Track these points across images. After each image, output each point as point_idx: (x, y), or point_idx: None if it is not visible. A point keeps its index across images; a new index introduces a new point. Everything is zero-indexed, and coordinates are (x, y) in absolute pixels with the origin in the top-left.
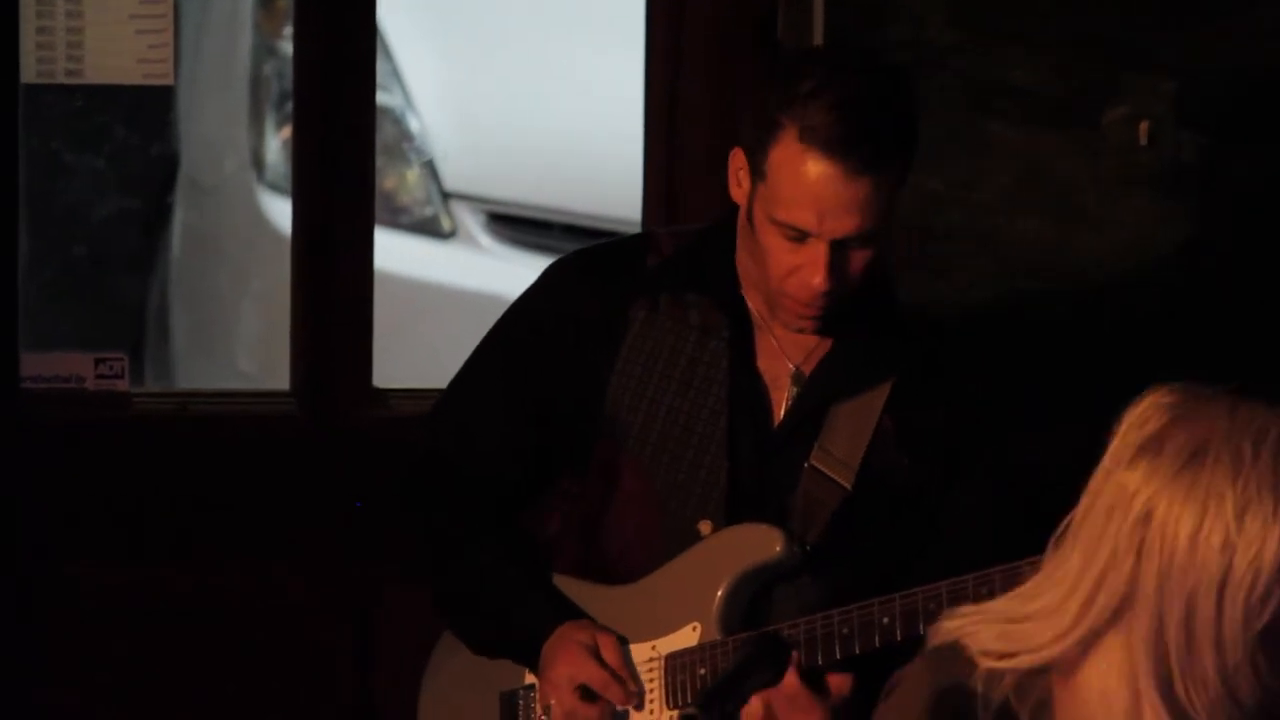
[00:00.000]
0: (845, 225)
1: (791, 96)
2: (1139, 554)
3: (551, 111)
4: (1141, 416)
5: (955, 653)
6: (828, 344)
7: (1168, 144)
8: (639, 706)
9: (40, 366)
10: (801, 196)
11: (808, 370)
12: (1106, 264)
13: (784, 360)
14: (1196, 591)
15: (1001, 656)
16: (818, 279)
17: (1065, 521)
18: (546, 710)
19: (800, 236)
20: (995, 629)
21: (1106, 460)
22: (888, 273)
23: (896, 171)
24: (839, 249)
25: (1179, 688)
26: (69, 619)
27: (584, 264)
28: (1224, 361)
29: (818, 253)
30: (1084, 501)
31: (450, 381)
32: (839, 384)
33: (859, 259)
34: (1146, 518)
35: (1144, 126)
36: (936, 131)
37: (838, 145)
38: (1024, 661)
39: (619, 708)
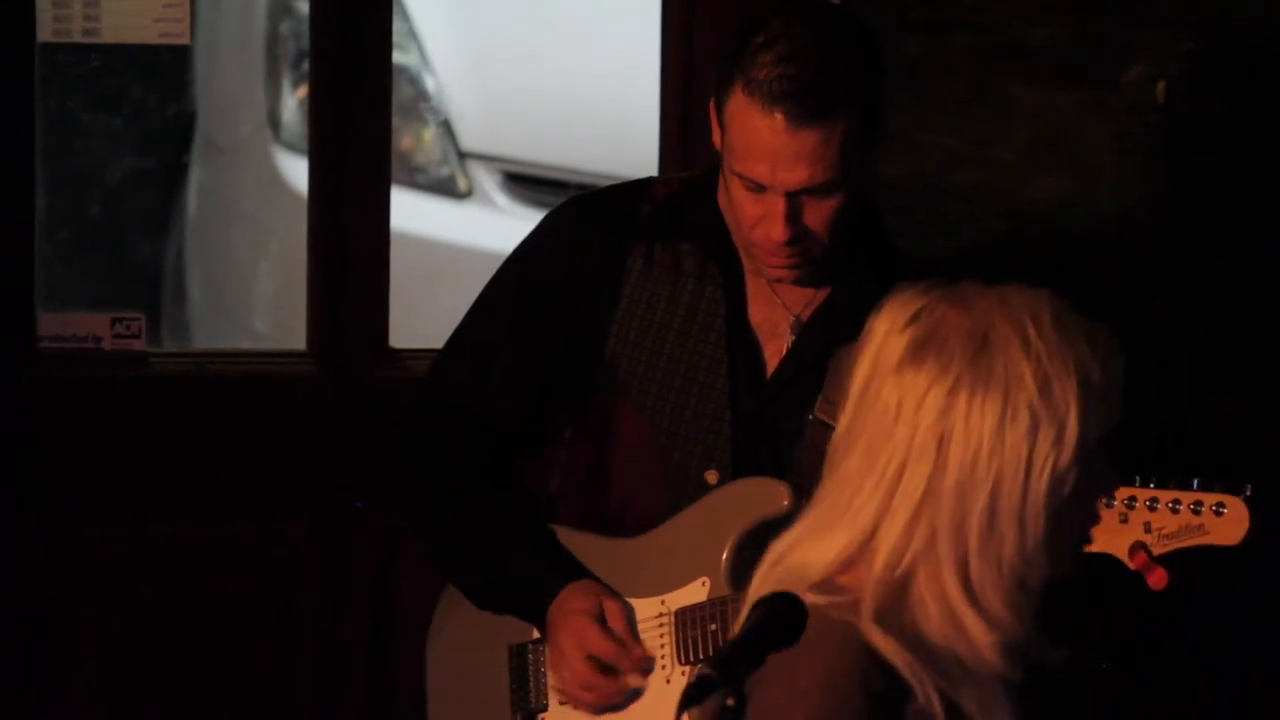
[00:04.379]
0: (796, 176)
1: (743, 50)
2: (940, 448)
3: (568, 71)
4: (900, 318)
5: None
6: (825, 293)
7: (1185, 103)
8: (648, 670)
9: (57, 326)
10: (752, 149)
11: (806, 320)
12: (1122, 224)
13: (782, 309)
14: (1003, 475)
15: (832, 587)
16: (776, 229)
17: (837, 437)
18: (562, 680)
19: (758, 188)
20: (810, 546)
21: (869, 365)
22: (882, 220)
23: (850, 120)
24: (797, 200)
25: (974, 573)
26: (85, 577)
27: (580, 209)
28: (1240, 320)
29: (775, 204)
30: (856, 410)
31: (454, 329)
32: (836, 333)
33: (822, 209)
34: (946, 411)
35: (1161, 86)
36: (954, 90)
37: (778, 97)
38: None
39: (629, 675)
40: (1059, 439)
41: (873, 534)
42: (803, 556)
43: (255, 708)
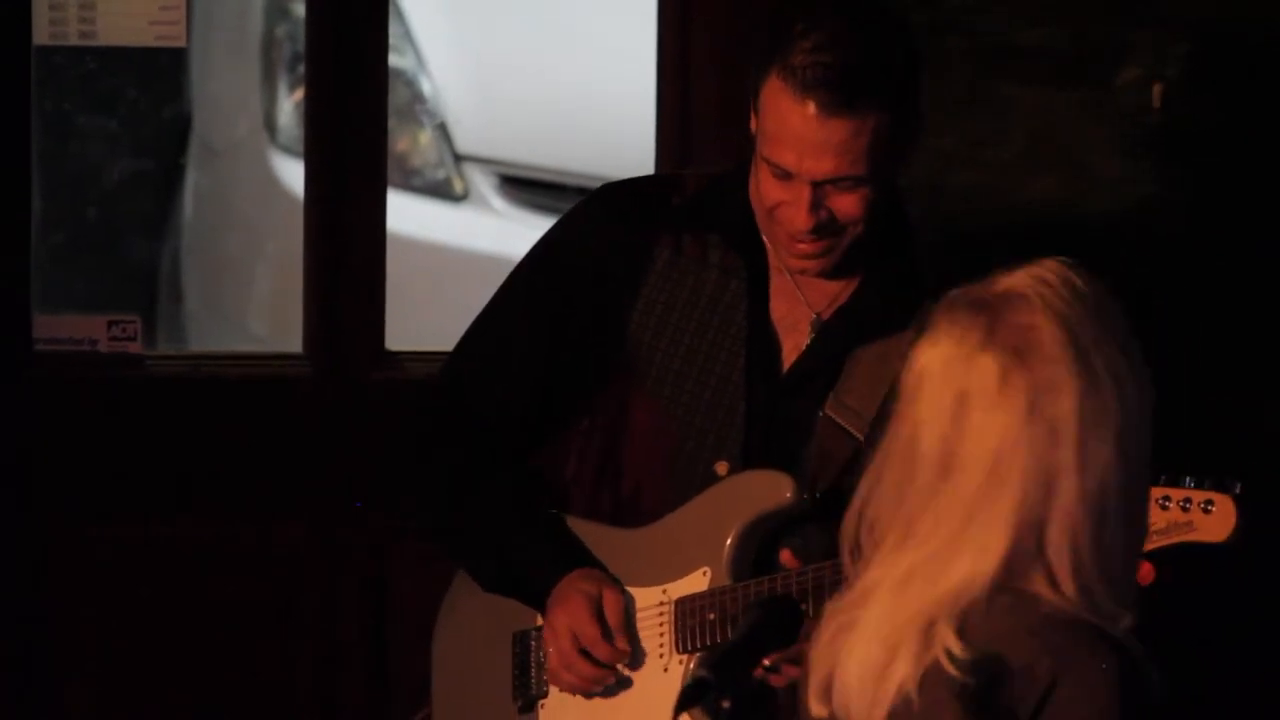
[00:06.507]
0: (823, 166)
1: (782, 37)
2: (1080, 452)
3: (564, 73)
4: (969, 339)
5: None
6: (849, 292)
7: (1182, 105)
8: (631, 665)
9: (53, 329)
10: (781, 136)
11: (827, 317)
12: (1119, 224)
13: (804, 305)
14: (1130, 461)
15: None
16: (800, 218)
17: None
18: (546, 657)
19: (785, 175)
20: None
21: (954, 394)
22: (908, 223)
23: (882, 114)
24: (822, 190)
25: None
26: (85, 577)
27: (610, 199)
28: (1233, 323)
29: (800, 192)
30: (949, 437)
31: (471, 322)
32: (854, 333)
33: (847, 202)
34: (1076, 416)
35: (1158, 89)
36: (950, 92)
37: (811, 85)
38: None
39: (606, 665)
40: (1151, 411)
41: (1037, 544)
42: (947, 578)
43: (255, 708)
